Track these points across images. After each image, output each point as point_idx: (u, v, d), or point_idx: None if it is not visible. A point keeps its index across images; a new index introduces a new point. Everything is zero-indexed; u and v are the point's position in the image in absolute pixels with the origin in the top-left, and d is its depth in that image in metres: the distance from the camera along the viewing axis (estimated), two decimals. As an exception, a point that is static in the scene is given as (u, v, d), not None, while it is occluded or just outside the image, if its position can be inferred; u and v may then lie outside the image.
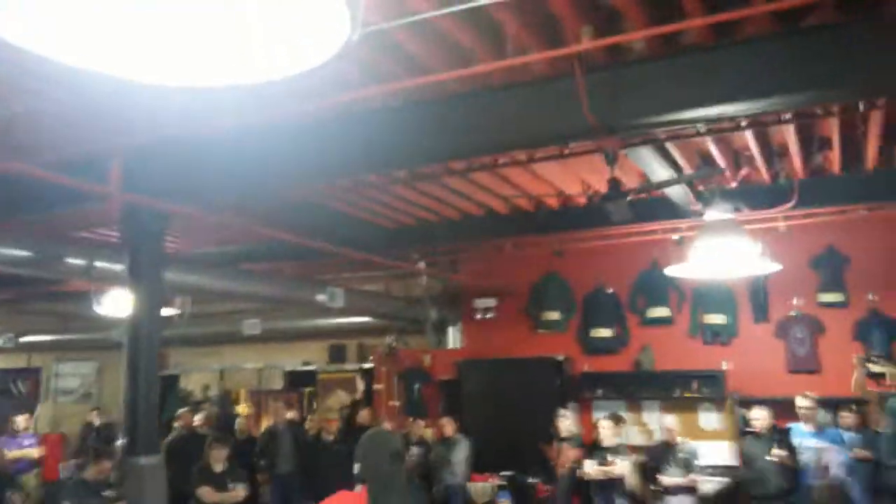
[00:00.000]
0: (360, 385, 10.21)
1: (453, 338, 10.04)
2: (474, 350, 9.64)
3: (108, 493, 4.97)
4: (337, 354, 11.63)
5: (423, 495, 6.98)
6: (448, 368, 9.59)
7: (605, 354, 9.03)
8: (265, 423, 9.78)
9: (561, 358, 8.85)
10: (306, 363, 11.81)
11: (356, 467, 2.89)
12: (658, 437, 7.90)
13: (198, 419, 8.31)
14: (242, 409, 10.80)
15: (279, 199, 6.36)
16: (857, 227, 7.76)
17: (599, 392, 8.79)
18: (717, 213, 5.80)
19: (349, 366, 11.49)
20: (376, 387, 9.84)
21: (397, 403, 9.65)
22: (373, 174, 5.86)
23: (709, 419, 8.48)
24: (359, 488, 2.74)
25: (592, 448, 7.13)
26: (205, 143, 4.69)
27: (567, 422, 7.36)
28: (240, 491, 6.14)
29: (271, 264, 8.36)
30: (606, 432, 7.05)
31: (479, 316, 9.78)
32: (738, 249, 5.85)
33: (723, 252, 5.87)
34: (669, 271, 6.36)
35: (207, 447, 6.25)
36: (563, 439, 7.17)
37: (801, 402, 6.64)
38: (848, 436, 6.56)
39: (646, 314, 8.93)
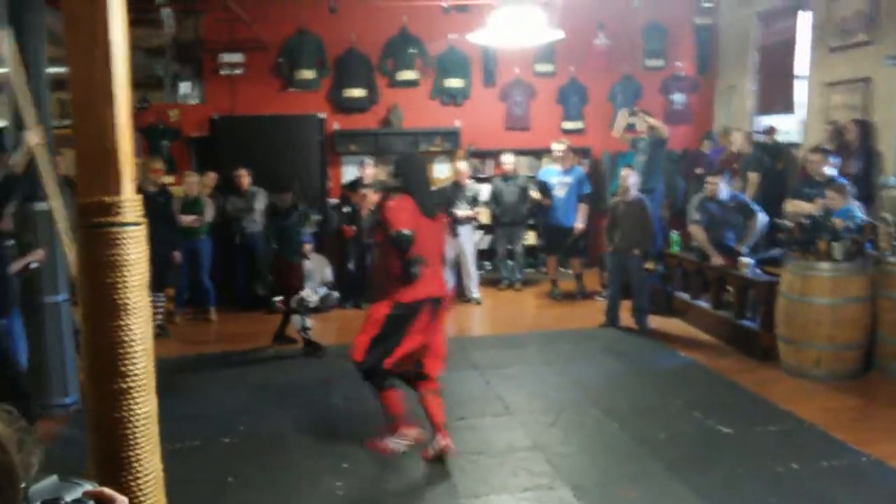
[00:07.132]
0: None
1: (187, 93, 9.58)
2: (219, 106, 9.40)
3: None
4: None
5: None
6: (197, 125, 9.28)
7: (357, 113, 9.71)
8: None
9: (323, 116, 9.29)
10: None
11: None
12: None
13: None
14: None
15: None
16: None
17: (352, 147, 9.56)
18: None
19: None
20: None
21: (139, 160, 9.09)
22: None
23: (441, 169, 9.99)
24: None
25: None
26: None
27: (371, 170, 8.09)
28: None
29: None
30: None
31: (224, 72, 9.46)
32: (531, 18, 6.99)
33: (517, 21, 6.96)
34: (471, 38, 7.20)
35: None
36: (366, 185, 7.93)
37: (556, 146, 8.38)
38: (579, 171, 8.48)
39: (395, 76, 9.74)
